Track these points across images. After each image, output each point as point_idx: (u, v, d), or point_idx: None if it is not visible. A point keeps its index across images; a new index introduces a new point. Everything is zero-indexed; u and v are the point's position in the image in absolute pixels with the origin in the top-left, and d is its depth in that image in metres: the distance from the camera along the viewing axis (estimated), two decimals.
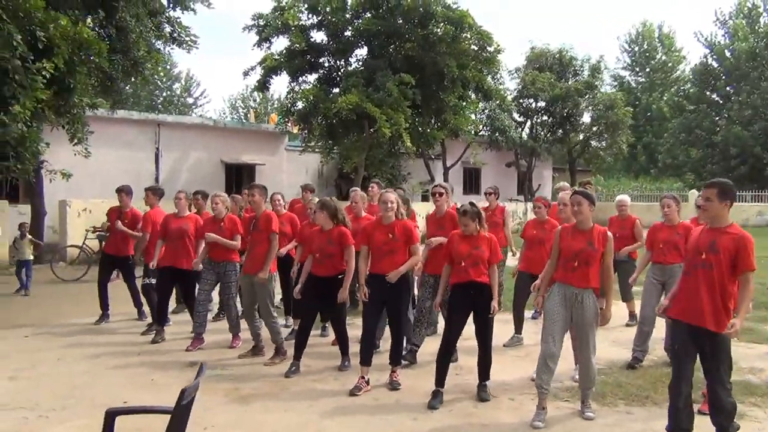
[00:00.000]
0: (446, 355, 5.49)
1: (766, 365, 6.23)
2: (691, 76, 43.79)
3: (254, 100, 51.00)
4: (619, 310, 8.77)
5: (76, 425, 4.80)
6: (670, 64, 52.44)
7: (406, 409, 5.24)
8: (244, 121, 40.17)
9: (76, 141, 12.31)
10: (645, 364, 6.44)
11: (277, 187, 18.01)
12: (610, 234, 5.07)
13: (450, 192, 7.02)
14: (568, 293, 4.99)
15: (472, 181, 30.82)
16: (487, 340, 5.56)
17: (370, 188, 8.52)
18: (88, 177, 16.47)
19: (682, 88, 46.49)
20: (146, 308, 8.59)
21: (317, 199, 7.38)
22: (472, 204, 5.67)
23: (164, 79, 46.62)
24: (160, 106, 44.70)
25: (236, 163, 22.44)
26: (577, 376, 5.55)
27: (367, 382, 5.75)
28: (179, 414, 2.80)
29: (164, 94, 47.58)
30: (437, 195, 6.77)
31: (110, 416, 3.22)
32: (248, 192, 7.20)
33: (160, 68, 16.94)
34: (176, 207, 7.90)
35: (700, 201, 4.45)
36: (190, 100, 49.48)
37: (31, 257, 11.25)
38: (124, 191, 8.62)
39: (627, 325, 8.37)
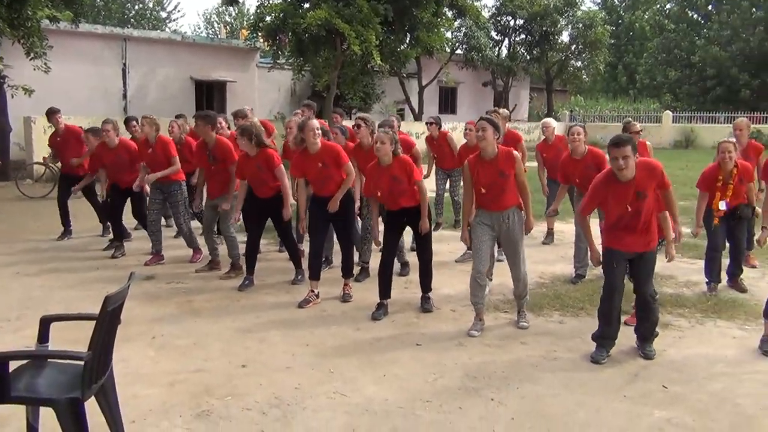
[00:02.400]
0: (385, 269, 5.67)
1: (702, 279, 6.50)
2: None
3: (230, 15, 49.63)
4: (571, 227, 9.04)
5: (28, 334, 4.95)
6: None
7: (350, 320, 5.47)
8: (213, 36, 39.18)
9: (33, 55, 12.03)
10: (586, 279, 6.69)
11: (249, 105, 17.88)
12: (516, 153, 5.14)
13: (369, 124, 6.68)
14: (493, 216, 5.15)
15: (447, 100, 30.63)
16: (425, 255, 5.75)
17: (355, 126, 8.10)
18: (54, 93, 16.12)
19: (665, 6, 45.82)
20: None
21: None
22: (390, 127, 5.70)
23: None
24: (132, 20, 43.31)
25: (206, 80, 22.08)
26: None
27: (317, 296, 5.94)
28: (104, 320, 2.94)
29: (136, 7, 45.98)
30: (357, 127, 6.62)
31: (45, 323, 3.38)
32: (195, 122, 7.15)
33: None
34: (105, 139, 7.79)
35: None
36: (163, 14, 47.94)
37: None
38: (54, 113, 8.66)
39: (543, 243, 8.61)
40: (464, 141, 7.71)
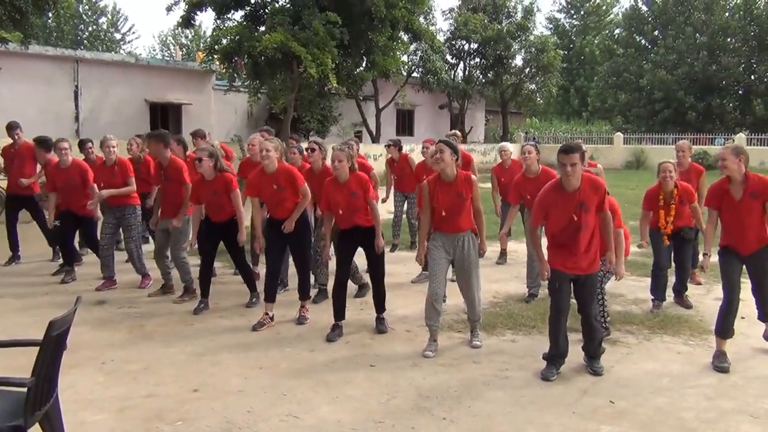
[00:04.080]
0: (340, 290, 5.69)
1: (649, 297, 6.67)
2: (621, 20, 44.51)
3: (185, 37, 49.32)
4: (524, 247, 9.19)
5: None
6: (603, 7, 53.13)
7: (305, 342, 5.46)
8: (169, 58, 38.88)
9: None
10: (538, 298, 6.80)
11: (205, 128, 17.76)
12: (474, 177, 5.25)
13: (323, 149, 6.72)
14: (449, 239, 5.22)
15: (405, 122, 30.91)
16: (377, 275, 5.78)
17: (308, 149, 7.13)
18: (4, 115, 15.73)
19: (613, 31, 47.30)
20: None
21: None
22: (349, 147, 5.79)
23: (89, 13, 44.61)
24: (85, 41, 42.76)
25: (161, 103, 21.86)
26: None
27: (271, 318, 5.92)
28: (48, 346, 2.90)
29: (90, 29, 45.40)
30: (310, 150, 6.66)
31: None
32: (147, 141, 7.13)
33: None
34: (59, 158, 7.67)
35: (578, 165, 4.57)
36: (118, 36, 47.44)
37: None
38: (14, 128, 8.62)
39: (497, 263, 8.72)
40: (422, 159, 7.79)
